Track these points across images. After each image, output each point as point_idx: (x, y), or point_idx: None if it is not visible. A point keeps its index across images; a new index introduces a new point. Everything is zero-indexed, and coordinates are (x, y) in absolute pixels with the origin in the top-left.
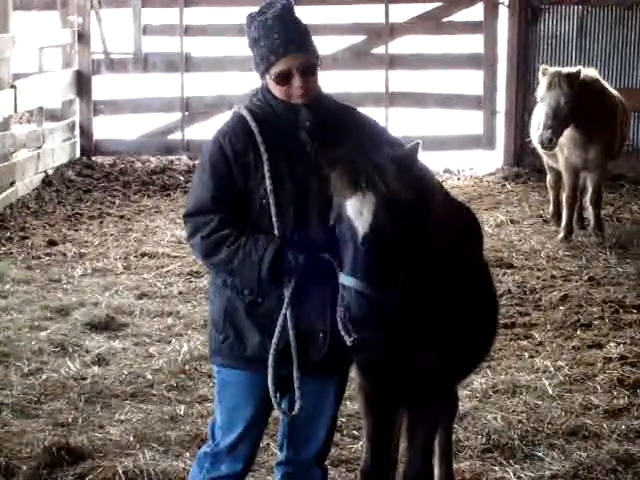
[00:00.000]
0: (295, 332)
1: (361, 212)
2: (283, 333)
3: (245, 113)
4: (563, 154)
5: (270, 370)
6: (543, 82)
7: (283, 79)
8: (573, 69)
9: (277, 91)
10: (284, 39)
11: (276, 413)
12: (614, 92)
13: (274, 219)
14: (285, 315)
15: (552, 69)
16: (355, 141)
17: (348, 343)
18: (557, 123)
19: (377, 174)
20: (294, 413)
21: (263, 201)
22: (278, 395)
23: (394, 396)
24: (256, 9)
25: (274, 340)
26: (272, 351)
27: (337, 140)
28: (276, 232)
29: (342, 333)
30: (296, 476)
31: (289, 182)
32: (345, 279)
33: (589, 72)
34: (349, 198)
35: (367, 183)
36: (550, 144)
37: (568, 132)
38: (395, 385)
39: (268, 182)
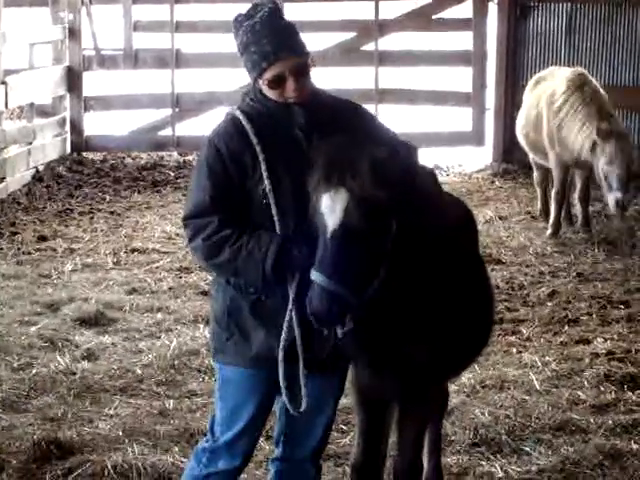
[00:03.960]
0: (300, 329)
1: (332, 208)
2: (290, 330)
3: (238, 114)
4: (554, 150)
5: (281, 366)
6: (610, 146)
7: (277, 83)
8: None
9: (271, 94)
10: (275, 44)
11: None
12: (600, 90)
13: (275, 218)
14: (291, 312)
15: (606, 127)
16: (342, 138)
17: (339, 335)
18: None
19: (352, 171)
20: (302, 410)
21: (263, 201)
22: (284, 393)
23: (386, 390)
24: (246, 5)
25: (283, 336)
26: (282, 347)
27: (331, 136)
28: (278, 230)
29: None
30: (291, 473)
31: (287, 181)
32: (312, 273)
33: (576, 69)
34: (322, 193)
35: (340, 180)
36: (628, 206)
37: (563, 130)
38: (387, 379)
39: (267, 182)
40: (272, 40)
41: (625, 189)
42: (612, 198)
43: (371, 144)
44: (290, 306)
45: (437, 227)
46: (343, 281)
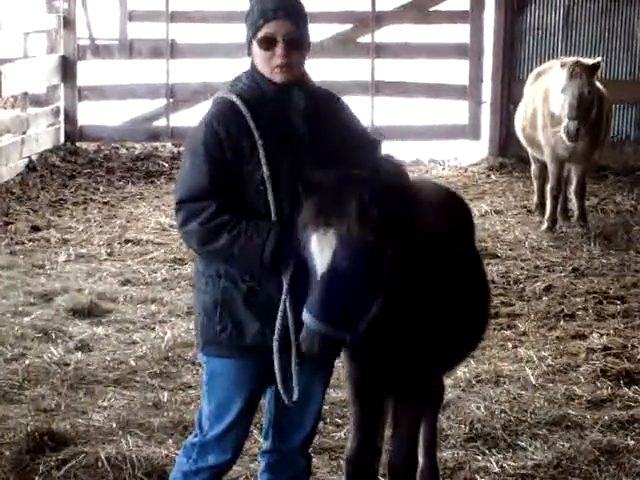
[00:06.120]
0: (294, 318)
1: (321, 250)
2: (283, 319)
3: (234, 98)
4: (550, 145)
5: (276, 356)
6: (563, 73)
7: (267, 44)
8: (593, 60)
9: (260, 59)
10: (275, 4)
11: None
12: (598, 83)
13: (271, 204)
14: (284, 301)
15: (570, 59)
16: (330, 174)
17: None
18: (583, 113)
19: (339, 212)
20: (294, 400)
21: (260, 187)
22: (280, 384)
23: (383, 383)
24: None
25: (277, 326)
26: (276, 337)
27: (326, 125)
28: (273, 217)
29: None
30: (281, 465)
31: (285, 166)
32: (303, 314)
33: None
34: (311, 234)
35: (327, 221)
36: (577, 135)
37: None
38: (384, 372)
39: (265, 168)
40: (274, 1)
41: (575, 117)
42: (563, 126)
43: (358, 178)
44: (284, 295)
45: (432, 228)
46: (334, 322)
